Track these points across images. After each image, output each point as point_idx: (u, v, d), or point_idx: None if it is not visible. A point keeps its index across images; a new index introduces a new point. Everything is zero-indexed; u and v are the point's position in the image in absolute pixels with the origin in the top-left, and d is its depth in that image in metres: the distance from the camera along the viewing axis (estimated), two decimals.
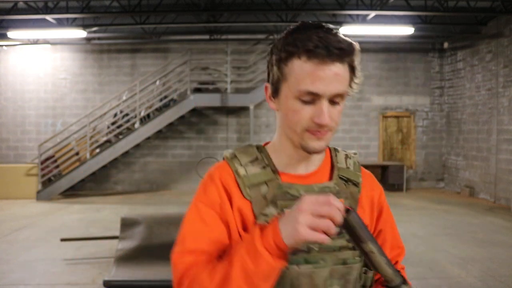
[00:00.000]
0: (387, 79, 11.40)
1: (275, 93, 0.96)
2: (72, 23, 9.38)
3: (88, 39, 10.66)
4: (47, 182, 9.99)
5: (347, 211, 0.80)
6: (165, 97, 10.44)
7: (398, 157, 11.54)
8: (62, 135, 10.58)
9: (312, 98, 0.90)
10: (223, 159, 1.03)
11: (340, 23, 9.03)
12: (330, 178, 1.03)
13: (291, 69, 0.91)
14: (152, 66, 10.98)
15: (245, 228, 0.95)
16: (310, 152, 0.95)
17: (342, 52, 0.88)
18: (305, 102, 0.90)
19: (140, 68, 11.09)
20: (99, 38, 10.71)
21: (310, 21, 0.94)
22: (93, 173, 10.34)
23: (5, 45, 10.87)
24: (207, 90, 10.50)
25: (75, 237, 5.57)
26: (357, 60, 0.93)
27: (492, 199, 9.47)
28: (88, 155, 9.91)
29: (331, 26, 0.95)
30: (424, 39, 10.98)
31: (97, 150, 10.13)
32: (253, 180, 0.96)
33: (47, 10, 8.56)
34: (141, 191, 10.93)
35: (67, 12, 8.63)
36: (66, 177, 9.78)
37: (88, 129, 9.93)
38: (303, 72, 0.89)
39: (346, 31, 9.05)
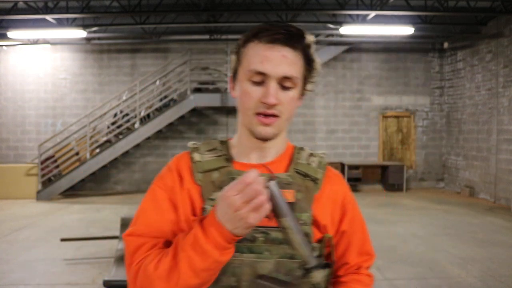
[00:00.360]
0: (387, 79, 11.40)
1: (234, 79, 1.01)
2: (72, 23, 9.38)
3: (88, 39, 10.66)
4: (47, 182, 9.99)
5: (269, 182, 0.81)
6: (165, 97, 10.44)
7: (398, 157, 11.54)
8: (62, 135, 10.58)
9: (262, 78, 0.93)
10: None
11: (340, 23, 9.04)
12: (286, 171, 1.04)
13: (245, 52, 0.96)
14: (152, 66, 10.99)
15: (193, 212, 0.98)
16: (257, 137, 0.98)
17: (289, 34, 0.92)
18: (255, 83, 0.94)
19: (140, 68, 11.10)
20: (99, 38, 10.71)
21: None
22: (93, 173, 10.34)
23: (5, 45, 10.87)
24: (207, 90, 10.50)
25: (75, 237, 5.57)
26: (311, 50, 0.97)
27: (492, 199, 9.47)
28: (88, 155, 9.91)
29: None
30: (424, 39, 10.98)
31: (97, 150, 10.13)
32: (206, 166, 1.00)
33: (47, 10, 8.56)
34: (141, 191, 10.92)
35: (67, 12, 8.62)
36: (66, 177, 9.78)
37: (88, 129, 9.93)
38: (254, 53, 0.94)
39: (346, 31, 9.06)
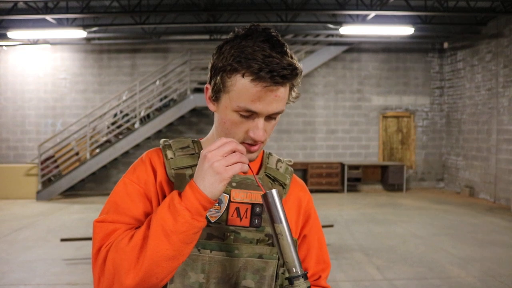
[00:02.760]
0: (387, 79, 11.40)
1: (216, 98, 0.97)
2: (72, 23, 9.39)
3: (88, 39, 10.66)
4: (47, 182, 9.99)
5: (269, 190, 0.87)
6: (165, 97, 10.44)
7: (398, 157, 11.54)
8: (62, 135, 10.59)
9: (251, 114, 0.92)
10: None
11: (340, 23, 9.04)
12: (257, 173, 1.06)
13: (233, 84, 0.91)
14: (152, 66, 10.99)
15: None
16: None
17: (284, 79, 0.89)
18: (243, 116, 0.93)
19: (140, 68, 11.10)
20: (99, 38, 10.71)
21: (260, 26, 0.93)
22: (93, 173, 10.34)
23: (5, 45, 10.87)
24: None
25: (75, 237, 5.57)
26: (298, 80, 0.94)
27: (492, 199, 9.47)
28: (88, 155, 9.91)
29: (279, 38, 0.92)
30: (424, 39, 10.98)
31: (97, 150, 10.13)
32: (179, 163, 1.00)
33: (47, 10, 8.56)
34: None
35: (67, 12, 8.62)
36: (66, 177, 9.78)
37: (88, 129, 9.94)
38: (245, 90, 0.90)
39: (346, 31, 9.05)
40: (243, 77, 0.89)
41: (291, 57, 0.91)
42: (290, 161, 1.12)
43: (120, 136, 10.07)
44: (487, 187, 9.70)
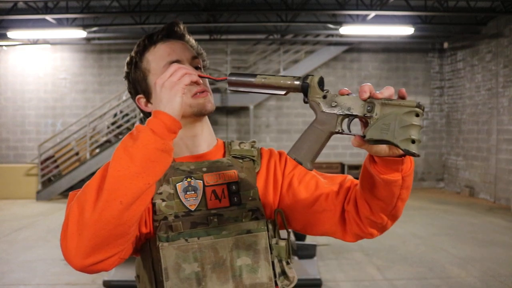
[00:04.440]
0: (387, 79, 11.40)
1: (147, 92, 1.05)
2: (72, 23, 9.38)
3: (88, 39, 10.65)
4: (47, 182, 9.99)
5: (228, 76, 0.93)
6: None
7: None
8: (62, 135, 10.58)
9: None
10: None
11: (340, 23, 9.04)
12: (223, 157, 1.08)
13: (148, 61, 1.05)
14: None
15: None
16: (204, 112, 1.03)
17: (172, 30, 1.06)
18: None
19: None
20: (99, 38, 10.71)
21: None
22: (93, 173, 10.31)
23: (5, 45, 10.87)
24: None
25: None
26: (188, 37, 1.10)
27: (492, 199, 9.47)
28: (88, 155, 9.91)
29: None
30: (424, 39, 10.98)
31: (97, 150, 10.14)
32: None
33: (47, 10, 8.56)
34: None
35: (67, 12, 8.62)
36: (66, 177, 9.78)
37: (88, 129, 9.94)
38: (158, 55, 1.04)
39: (346, 31, 9.05)
40: (149, 50, 1.05)
41: None
42: (254, 141, 1.13)
43: (120, 136, 10.07)
44: (487, 187, 9.70)
